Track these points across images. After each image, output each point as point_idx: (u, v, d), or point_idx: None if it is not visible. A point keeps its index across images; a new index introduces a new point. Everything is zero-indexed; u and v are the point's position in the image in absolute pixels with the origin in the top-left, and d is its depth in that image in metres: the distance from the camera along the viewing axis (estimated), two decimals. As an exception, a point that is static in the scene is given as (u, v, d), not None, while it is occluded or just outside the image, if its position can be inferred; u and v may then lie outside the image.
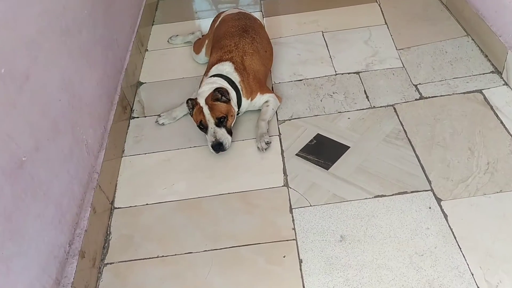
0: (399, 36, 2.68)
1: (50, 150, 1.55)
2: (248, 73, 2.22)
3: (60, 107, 1.67)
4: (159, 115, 2.34)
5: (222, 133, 2.05)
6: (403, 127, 2.10)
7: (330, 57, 2.61)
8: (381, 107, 2.23)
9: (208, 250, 1.72)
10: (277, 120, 2.25)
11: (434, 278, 1.54)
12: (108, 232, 1.84)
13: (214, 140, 2.03)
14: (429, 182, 1.84)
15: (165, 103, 2.44)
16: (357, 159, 1.99)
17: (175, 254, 1.72)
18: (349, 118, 2.20)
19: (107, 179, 1.96)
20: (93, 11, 2.11)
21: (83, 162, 1.80)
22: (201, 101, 2.07)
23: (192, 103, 2.11)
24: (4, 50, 1.34)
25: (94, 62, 2.05)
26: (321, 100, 2.32)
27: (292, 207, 1.83)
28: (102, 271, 1.71)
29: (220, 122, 2.05)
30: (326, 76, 2.48)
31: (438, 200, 1.77)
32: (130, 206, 1.94)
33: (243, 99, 2.19)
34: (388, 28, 2.77)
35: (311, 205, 1.83)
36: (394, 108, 2.21)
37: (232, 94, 2.13)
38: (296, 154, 2.06)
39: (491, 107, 2.12)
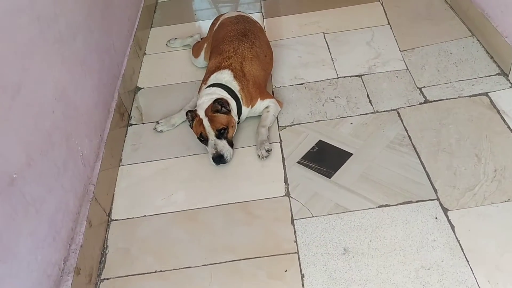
0: (402, 37, 2.62)
1: (43, 164, 1.51)
2: (248, 79, 2.16)
3: (53, 118, 1.62)
4: (157, 122, 2.29)
5: (223, 145, 2.00)
6: (407, 133, 2.04)
7: (332, 59, 2.55)
8: (384, 111, 2.17)
9: (207, 265, 1.67)
10: (278, 126, 2.19)
11: (441, 293, 1.48)
12: (105, 246, 1.80)
13: (215, 152, 1.98)
14: (435, 190, 1.79)
15: (163, 109, 2.39)
16: (360, 167, 1.93)
17: (173, 269, 1.68)
18: (351, 123, 2.14)
19: (103, 190, 1.91)
20: (89, 16, 2.06)
21: (78, 174, 1.75)
22: (201, 113, 2.02)
23: (192, 115, 2.06)
24: (-9, 64, 1.29)
25: (89, 69, 2.00)
26: (323, 105, 2.27)
27: (294, 218, 1.78)
28: (98, 287, 1.66)
29: (221, 133, 2.00)
30: (327, 79, 2.42)
31: (445, 210, 1.71)
32: (128, 218, 1.89)
33: (243, 107, 2.14)
34: (391, 28, 2.70)
35: (313, 216, 1.77)
36: (398, 113, 2.15)
37: (232, 104, 2.08)
38: (298, 162, 2.00)
39: (498, 111, 2.06)
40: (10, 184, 1.30)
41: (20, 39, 1.46)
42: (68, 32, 1.81)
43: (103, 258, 1.75)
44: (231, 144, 2.05)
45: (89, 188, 1.82)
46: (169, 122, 2.27)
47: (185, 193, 1.96)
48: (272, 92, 2.39)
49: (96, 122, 1.99)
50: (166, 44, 2.88)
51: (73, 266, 1.55)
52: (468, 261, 1.55)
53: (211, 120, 2.01)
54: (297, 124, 2.19)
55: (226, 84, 2.12)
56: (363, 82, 2.36)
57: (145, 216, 1.89)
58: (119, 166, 2.12)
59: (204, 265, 1.68)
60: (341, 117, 2.18)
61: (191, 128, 2.10)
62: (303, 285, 1.57)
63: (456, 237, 1.62)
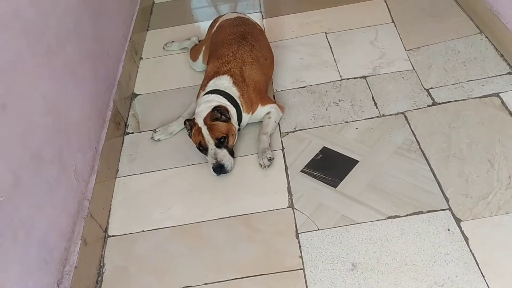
0: (407, 35, 2.52)
1: (33, 183, 1.43)
2: (248, 85, 2.07)
3: (43, 134, 1.54)
4: (154, 131, 2.21)
5: (223, 154, 1.91)
6: (415, 138, 1.95)
7: (335, 60, 2.45)
8: (391, 115, 2.08)
9: (209, 283, 1.60)
10: (280, 133, 2.11)
11: (456, 312, 1.40)
12: (102, 264, 1.72)
13: (215, 162, 1.90)
14: (447, 200, 1.70)
15: (161, 116, 2.31)
16: (367, 175, 1.84)
17: (173, 289, 1.60)
18: (357, 128, 2.05)
19: (99, 205, 1.83)
20: (80, 23, 1.97)
21: (71, 191, 1.67)
22: (200, 122, 1.94)
23: (190, 124, 1.97)
24: (-28, 82, 1.21)
25: (82, 79, 1.92)
26: (326, 109, 2.18)
27: (298, 232, 1.70)
28: (95, 309, 1.59)
29: (221, 142, 1.92)
30: (331, 81, 2.33)
31: (457, 221, 1.63)
32: (125, 234, 1.81)
33: (244, 114, 2.05)
34: (395, 26, 2.60)
35: (318, 229, 1.69)
36: (405, 116, 2.06)
37: (232, 111, 2.00)
38: (301, 171, 1.92)
39: (510, 112, 1.96)
40: (-4, 208, 1.23)
41: (5, 55, 1.37)
42: (57, 42, 1.72)
43: (100, 278, 1.68)
44: (231, 153, 1.97)
45: (84, 204, 1.74)
46: (167, 130, 2.19)
47: (184, 206, 1.87)
48: (273, 96, 2.30)
49: (90, 134, 1.91)
50: (163, 48, 2.79)
51: (67, 289, 1.48)
52: (483, 276, 1.47)
53: (210, 129, 1.92)
54: (299, 130, 2.10)
55: (225, 91, 2.04)
56: (367, 84, 2.27)
57: (143, 231, 1.81)
58: (116, 178, 2.04)
59: (206, 283, 1.60)
60: (345, 122, 2.09)
61: (190, 137, 2.02)
62: (309, 304, 1.49)
63: (470, 250, 1.54)
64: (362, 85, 2.27)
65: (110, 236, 1.81)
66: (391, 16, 2.68)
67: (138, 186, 1.99)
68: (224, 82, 2.05)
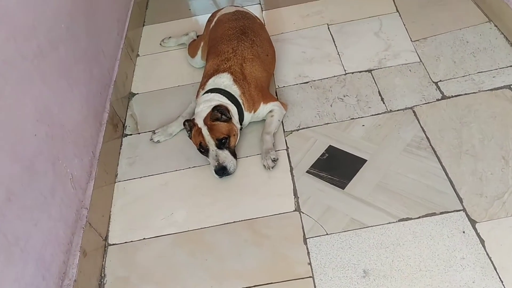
0: (413, 25, 2.43)
1: (26, 196, 1.35)
2: (249, 82, 1.99)
3: (36, 143, 1.46)
4: (153, 132, 2.13)
5: (225, 155, 1.84)
6: (425, 134, 1.87)
7: (338, 53, 2.37)
8: (398, 110, 2.00)
9: (214, 294, 1.53)
10: (284, 131, 2.03)
11: (475, 320, 1.34)
12: (102, 275, 1.66)
13: (217, 164, 1.82)
14: (460, 200, 1.62)
15: (160, 116, 2.23)
16: (376, 175, 1.77)
17: (177, 300, 1.54)
18: (363, 125, 1.97)
19: (98, 213, 1.76)
20: (72, 23, 1.88)
21: (68, 200, 1.60)
22: (199, 122, 1.86)
23: (190, 125, 1.90)
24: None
25: (76, 81, 1.83)
26: (331, 105, 2.10)
27: (306, 237, 1.63)
28: (97, 323, 1.53)
29: (222, 143, 1.84)
30: (335, 76, 2.24)
31: (472, 222, 1.56)
32: (126, 242, 1.75)
33: (245, 113, 1.97)
34: (400, 16, 2.51)
35: (327, 234, 1.62)
36: (414, 111, 1.98)
37: (233, 110, 1.92)
38: (307, 171, 1.84)
39: (523, 105, 1.89)
40: (-13, 227, 1.16)
41: (-9, 60, 1.30)
42: (48, 44, 1.64)
43: (101, 290, 1.62)
44: (233, 154, 1.90)
45: (82, 213, 1.67)
46: (166, 131, 2.11)
47: (186, 212, 1.80)
48: (275, 93, 2.22)
49: (86, 138, 1.84)
50: (160, 44, 2.70)
51: (66, 305, 1.41)
52: (502, 281, 1.40)
53: (210, 129, 1.85)
54: (304, 128, 2.02)
55: (226, 89, 1.96)
56: (373, 78, 2.18)
57: (144, 239, 1.74)
58: (115, 182, 1.97)
59: (211, 294, 1.54)
60: (351, 119, 2.01)
61: (190, 138, 1.94)
62: (320, 315, 1.43)
63: (487, 254, 1.47)
64: (367, 79, 2.18)
65: (110, 245, 1.75)
66: (395, 5, 2.59)
67: (138, 191, 1.92)
68: (224, 80, 1.97)
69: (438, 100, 2.00)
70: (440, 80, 2.08)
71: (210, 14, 2.47)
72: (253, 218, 1.72)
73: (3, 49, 1.36)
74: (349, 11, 2.62)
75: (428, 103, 2.00)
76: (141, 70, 2.56)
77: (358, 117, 2.01)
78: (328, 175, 1.81)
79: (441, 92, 2.03)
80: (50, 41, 1.66)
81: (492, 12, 2.31)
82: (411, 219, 1.61)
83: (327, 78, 2.24)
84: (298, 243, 1.61)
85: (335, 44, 2.43)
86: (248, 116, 2.00)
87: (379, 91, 2.11)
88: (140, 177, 1.97)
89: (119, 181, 1.97)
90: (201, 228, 1.73)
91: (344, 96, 2.12)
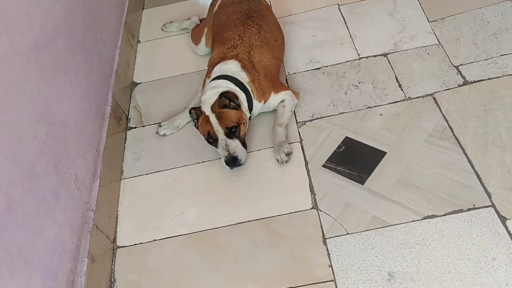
0: (429, 4, 2.29)
1: (28, 203, 1.26)
2: (258, 71, 1.87)
3: (36, 144, 1.36)
4: (159, 125, 2.02)
5: (235, 145, 1.73)
6: (448, 123, 1.77)
7: (351, 36, 2.24)
8: (418, 97, 1.89)
9: (231, 300, 1.46)
10: (296, 122, 1.92)
11: (510, 326, 1.26)
12: (112, 280, 1.58)
13: (227, 154, 1.72)
14: (489, 195, 1.53)
15: (165, 107, 2.12)
16: (397, 169, 1.67)
17: (192, 307, 1.46)
18: (381, 114, 1.87)
19: (105, 214, 1.68)
20: (69, 12, 1.75)
21: (73, 203, 1.50)
22: (207, 110, 1.75)
23: (196, 113, 1.78)
24: None
25: (75, 74, 1.72)
26: (345, 93, 1.98)
27: (326, 237, 1.54)
28: (108, 333, 1.46)
29: (232, 132, 1.73)
30: (348, 61, 2.12)
31: (503, 219, 1.47)
32: (135, 244, 1.66)
33: (255, 102, 1.86)
34: (415, -6, 2.37)
35: (348, 233, 1.54)
36: (434, 98, 1.87)
37: (242, 97, 1.80)
38: (323, 165, 1.74)
39: (551, 90, 1.78)
40: (-13, 242, 1.06)
41: (-17, 57, 1.18)
42: (45, 36, 1.52)
43: (111, 296, 1.54)
44: (244, 143, 1.79)
45: (88, 216, 1.58)
46: (173, 124, 2.00)
47: (197, 210, 1.72)
48: (286, 80, 2.10)
49: (89, 135, 1.73)
50: (162, 29, 2.56)
51: (76, 316, 1.34)
52: (537, 283, 1.32)
53: (219, 117, 1.73)
54: (318, 118, 1.92)
55: (233, 76, 1.84)
56: (389, 62, 2.06)
57: (154, 240, 1.66)
58: (121, 180, 1.88)
59: (227, 300, 1.46)
60: (368, 107, 1.90)
61: (197, 128, 1.83)
62: (344, 322, 1.35)
63: (520, 253, 1.39)
64: (383, 64, 2.06)
65: (119, 247, 1.66)
66: (409, -18, 2.44)
67: (146, 188, 1.83)
68: (231, 67, 1.85)
69: (460, 85, 1.89)
70: (461, 64, 1.97)
71: (212, -1, 2.33)
72: (268, 217, 1.64)
73: (-4, 45, 1.24)
74: (360, -10, 2.48)
75: (449, 89, 1.88)
76: (143, 58, 2.44)
77: (375, 106, 1.90)
78: (346, 169, 1.71)
79: (463, 77, 1.91)
80: (46, 33, 1.54)
81: (514, -11, 2.17)
82: (436, 216, 1.52)
83: (340, 63, 2.12)
84: (317, 243, 1.53)
85: (347, 26, 2.30)
86: (257, 106, 1.89)
87: (396, 77, 1.99)
88: (147, 174, 1.88)
89: (125, 178, 1.88)
90: (213, 228, 1.65)
91: (359, 83, 2.01)
